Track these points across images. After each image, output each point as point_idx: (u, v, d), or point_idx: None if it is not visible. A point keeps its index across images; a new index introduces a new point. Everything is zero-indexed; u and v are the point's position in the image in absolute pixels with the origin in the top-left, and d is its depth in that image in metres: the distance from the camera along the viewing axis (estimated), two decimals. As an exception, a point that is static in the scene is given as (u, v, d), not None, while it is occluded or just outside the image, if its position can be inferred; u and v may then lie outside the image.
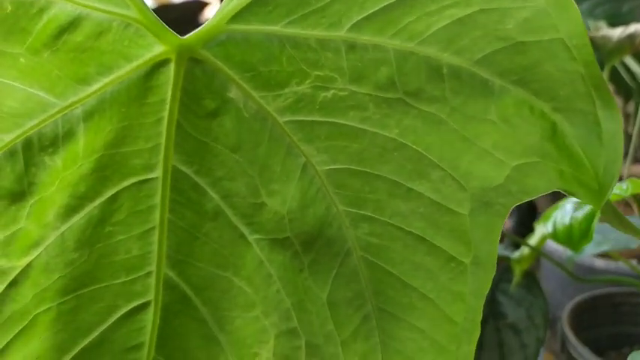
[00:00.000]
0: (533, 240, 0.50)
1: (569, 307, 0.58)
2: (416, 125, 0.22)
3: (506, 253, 0.55)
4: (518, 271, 0.53)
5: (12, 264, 0.23)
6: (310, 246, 0.24)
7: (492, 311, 0.54)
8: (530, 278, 0.53)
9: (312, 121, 0.23)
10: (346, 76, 0.22)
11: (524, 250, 0.52)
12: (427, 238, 0.23)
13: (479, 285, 0.23)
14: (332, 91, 0.23)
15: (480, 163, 0.22)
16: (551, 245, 0.71)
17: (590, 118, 0.20)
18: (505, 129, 0.21)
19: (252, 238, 0.24)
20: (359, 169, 0.23)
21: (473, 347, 0.24)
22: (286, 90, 0.23)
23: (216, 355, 0.24)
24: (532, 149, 0.21)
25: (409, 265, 0.23)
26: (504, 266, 0.55)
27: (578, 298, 0.60)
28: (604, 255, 0.70)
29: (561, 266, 0.51)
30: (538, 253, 0.49)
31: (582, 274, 0.66)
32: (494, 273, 0.23)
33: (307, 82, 0.23)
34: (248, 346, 0.24)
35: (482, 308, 0.23)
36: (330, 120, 0.23)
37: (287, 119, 0.23)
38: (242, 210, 0.24)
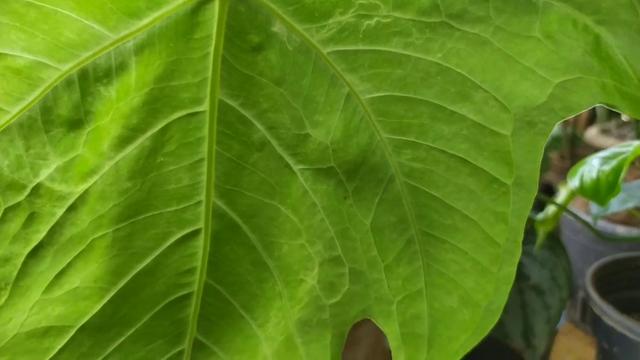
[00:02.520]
0: (559, 199, 0.50)
1: (592, 268, 0.57)
2: (459, 48, 0.22)
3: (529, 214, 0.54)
4: (541, 233, 0.53)
5: (71, 189, 0.23)
6: (354, 174, 0.24)
7: (515, 273, 0.54)
8: (554, 239, 0.53)
9: (356, 50, 0.23)
10: (389, 3, 0.22)
11: (548, 211, 0.52)
12: (470, 160, 0.23)
13: (521, 206, 0.23)
14: (375, 19, 0.23)
15: (523, 82, 0.22)
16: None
17: (634, 27, 0.20)
18: (548, 46, 0.21)
19: (296, 168, 0.24)
20: (402, 95, 0.23)
21: (514, 269, 0.24)
22: (330, 21, 0.23)
23: (266, 279, 0.24)
24: (575, 65, 0.21)
25: (452, 187, 0.23)
26: (527, 228, 0.55)
27: (600, 261, 0.59)
28: (625, 222, 0.70)
29: (587, 224, 0.50)
30: (565, 210, 0.49)
31: (604, 242, 0.66)
32: (535, 194, 0.23)
33: (351, 11, 0.23)
34: (295, 272, 0.25)
35: (523, 229, 0.23)
36: (373, 48, 0.23)
37: (330, 50, 0.23)
38: (287, 141, 0.24)
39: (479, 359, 0.60)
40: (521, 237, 0.23)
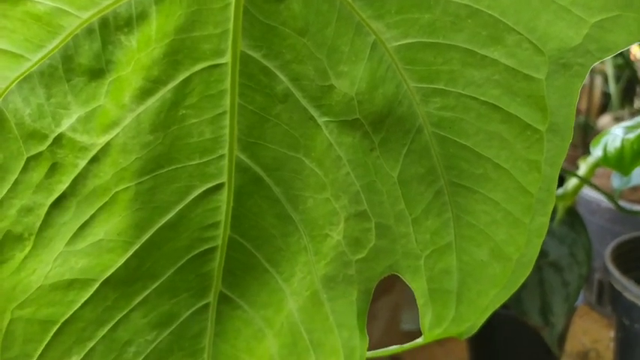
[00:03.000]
0: (581, 171, 0.49)
1: (611, 246, 0.56)
2: (491, -12, 0.21)
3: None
4: (561, 208, 0.52)
5: (93, 141, 0.22)
6: (380, 125, 0.24)
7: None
8: (573, 215, 0.52)
9: (382, -5, 0.22)
10: (416, -56, 0.22)
11: (568, 187, 0.51)
12: (502, 107, 0.22)
13: (555, 153, 0.22)
14: (402, -38, 0.22)
15: (558, 22, 0.21)
16: (587, 193, 0.70)
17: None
18: (585, -18, 0.20)
19: (321, 120, 0.24)
20: (431, 41, 0.22)
21: (547, 220, 0.23)
22: (354, -34, 0.22)
23: (291, 233, 0.24)
24: (612, 2, 0.20)
25: (483, 135, 0.22)
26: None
27: (620, 239, 0.58)
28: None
29: (609, 197, 0.49)
30: (587, 183, 0.48)
31: (622, 220, 0.65)
32: (570, 140, 0.22)
33: (376, -46, 0.22)
34: (320, 227, 0.24)
35: (557, 178, 0.22)
36: (400, -8, 0.22)
37: (355, -4, 0.23)
38: (311, 92, 0.24)
39: (496, 337, 0.60)
40: (554, 186, 0.22)
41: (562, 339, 0.55)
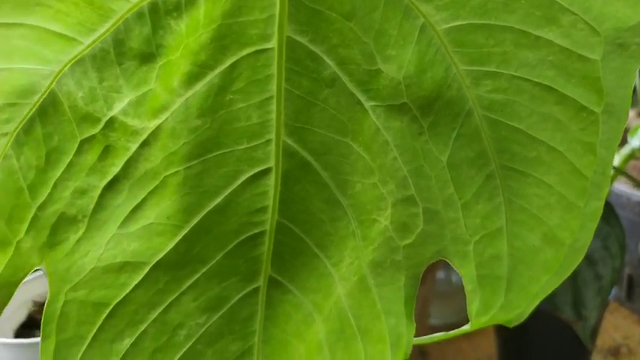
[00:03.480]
0: (615, 161, 0.48)
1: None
2: (546, -33, 0.21)
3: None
4: (593, 201, 0.51)
5: (143, 125, 0.22)
6: (428, 109, 0.23)
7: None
8: (607, 207, 0.51)
9: (432, -23, 0.22)
10: None
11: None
12: (556, 88, 0.21)
13: (610, 136, 0.21)
14: (453, -58, 0.22)
15: (614, 2, 0.20)
16: (617, 187, 0.69)
17: None
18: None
19: (368, 105, 0.24)
20: (482, 22, 0.22)
21: (601, 204, 0.23)
22: (403, -52, 0.22)
23: (339, 217, 0.23)
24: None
25: (537, 117, 0.22)
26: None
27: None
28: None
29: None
30: (621, 173, 0.47)
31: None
32: (626, 123, 0.22)
33: None
34: (368, 212, 0.24)
35: (612, 161, 0.22)
36: (450, -26, 0.22)
37: (404, -21, 0.22)
38: (358, 77, 0.24)
39: (526, 332, 0.59)
40: (609, 169, 0.22)
41: (594, 333, 0.54)
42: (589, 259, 0.51)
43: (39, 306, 0.59)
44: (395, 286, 0.24)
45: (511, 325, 0.26)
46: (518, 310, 0.25)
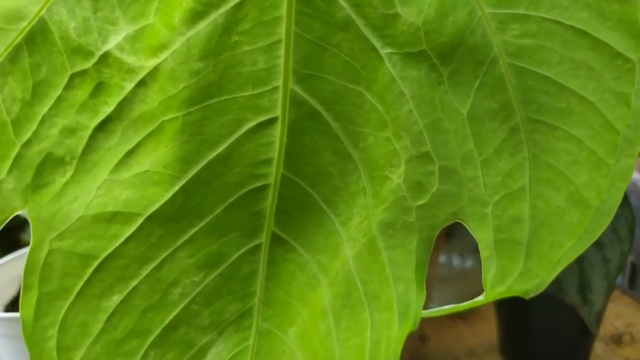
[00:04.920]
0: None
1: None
2: None
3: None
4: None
5: (140, 63, 0.20)
6: (449, 57, 0.21)
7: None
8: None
9: None
10: None
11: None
12: (590, 32, 0.20)
13: (647, 85, 0.20)
14: None
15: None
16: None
17: None
18: None
19: (384, 52, 0.22)
20: (511, -40, 0.20)
21: (633, 162, 0.21)
22: None
23: (350, 171, 0.21)
24: None
25: (568, 64, 0.20)
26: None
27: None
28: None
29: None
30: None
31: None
32: (665, 70, 0.20)
33: None
34: (380, 167, 0.22)
35: (647, 115, 0.20)
36: None
37: None
38: (374, 21, 0.22)
39: (527, 317, 0.58)
40: (644, 123, 0.20)
41: (599, 319, 0.53)
42: (596, 242, 0.49)
43: None
44: (406, 250, 0.22)
45: (528, 297, 0.24)
46: (537, 280, 0.23)
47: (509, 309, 0.60)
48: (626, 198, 0.48)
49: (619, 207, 0.48)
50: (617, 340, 0.64)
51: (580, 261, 0.48)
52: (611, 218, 0.21)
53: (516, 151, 0.21)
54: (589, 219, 0.21)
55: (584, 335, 0.57)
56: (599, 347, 0.63)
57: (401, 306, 0.22)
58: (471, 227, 0.23)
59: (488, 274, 0.23)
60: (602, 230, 0.22)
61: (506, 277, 0.23)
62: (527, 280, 0.23)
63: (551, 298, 0.49)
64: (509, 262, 0.23)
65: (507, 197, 0.22)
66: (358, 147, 0.22)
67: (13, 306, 0.56)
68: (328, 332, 0.22)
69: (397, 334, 0.22)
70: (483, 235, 0.22)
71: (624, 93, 0.20)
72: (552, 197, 0.21)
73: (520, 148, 0.21)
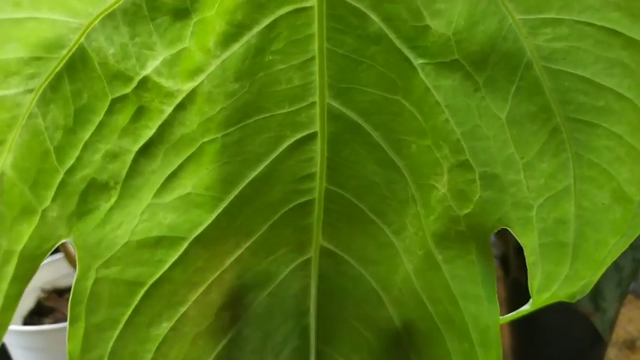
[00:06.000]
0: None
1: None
2: None
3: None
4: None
5: (178, 87, 0.20)
6: (483, 65, 0.21)
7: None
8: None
9: None
10: None
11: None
12: (622, 31, 0.20)
13: (682, 79, 0.20)
14: None
15: None
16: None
17: None
18: None
19: (417, 62, 0.22)
20: (538, -34, 0.21)
21: (672, 155, 0.21)
22: None
23: (396, 180, 0.21)
24: None
25: (602, 63, 0.20)
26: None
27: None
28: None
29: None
30: None
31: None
32: (697, 66, 0.20)
33: None
34: (425, 176, 0.22)
35: (685, 108, 0.20)
36: None
37: None
38: (405, 33, 0.22)
39: (540, 323, 0.57)
40: (681, 116, 0.20)
41: (612, 325, 0.52)
42: None
43: (47, 293, 0.57)
44: (465, 261, 0.21)
45: (574, 300, 0.24)
46: (583, 281, 0.23)
47: (522, 316, 0.59)
48: None
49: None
50: (630, 345, 0.64)
51: (595, 271, 0.48)
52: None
53: (559, 152, 0.21)
54: (631, 214, 0.21)
55: (597, 342, 0.56)
56: (612, 352, 0.63)
57: (477, 334, 0.21)
58: (516, 232, 0.22)
59: (535, 281, 0.23)
60: (645, 224, 0.21)
61: (552, 281, 0.23)
62: (573, 282, 0.23)
63: (563, 305, 0.49)
64: (555, 266, 0.22)
65: (552, 199, 0.22)
66: (401, 154, 0.21)
67: (31, 318, 0.55)
68: None
69: None
70: (528, 240, 0.22)
71: (660, 88, 0.20)
72: (597, 195, 0.21)
73: (562, 149, 0.21)
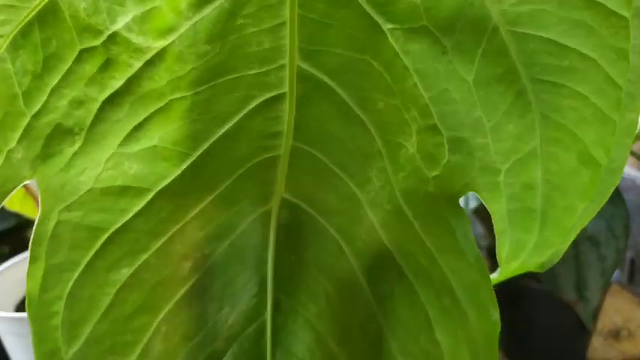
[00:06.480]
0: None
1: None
2: None
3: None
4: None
5: (148, 44, 0.21)
6: (450, 30, 0.22)
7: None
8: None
9: None
10: None
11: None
12: (585, -7, 0.20)
13: (644, 40, 0.20)
14: None
15: None
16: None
17: None
18: None
19: (386, 27, 0.22)
20: None
21: (636, 117, 0.21)
22: None
23: (360, 134, 0.21)
24: None
25: (566, 24, 0.20)
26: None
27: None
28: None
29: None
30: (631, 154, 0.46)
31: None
32: (659, 27, 0.20)
33: None
34: (393, 133, 0.22)
35: (646, 69, 0.21)
36: None
37: None
38: None
39: (524, 312, 0.56)
40: (644, 78, 0.20)
41: (596, 315, 0.52)
42: (592, 240, 0.49)
43: None
44: (438, 218, 0.21)
45: (543, 270, 0.23)
46: (552, 249, 0.23)
47: (508, 304, 0.59)
48: (620, 196, 0.48)
49: (613, 205, 0.48)
50: (615, 334, 0.64)
51: (576, 258, 0.48)
52: (620, 178, 0.21)
53: (525, 112, 0.21)
54: (599, 178, 0.21)
55: (582, 331, 0.55)
56: (597, 342, 0.63)
57: (462, 290, 0.21)
58: (484, 198, 0.22)
59: (503, 249, 0.23)
60: (612, 190, 0.21)
61: (520, 249, 0.23)
62: (542, 250, 0.22)
63: (548, 295, 0.48)
64: (524, 234, 0.22)
65: (519, 163, 0.22)
66: (368, 110, 0.22)
67: (23, 306, 0.56)
68: (370, 316, 0.20)
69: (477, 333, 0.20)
70: (497, 207, 0.22)
71: (622, 48, 0.20)
72: (563, 158, 0.21)
73: (528, 109, 0.21)
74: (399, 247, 0.21)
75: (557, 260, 0.23)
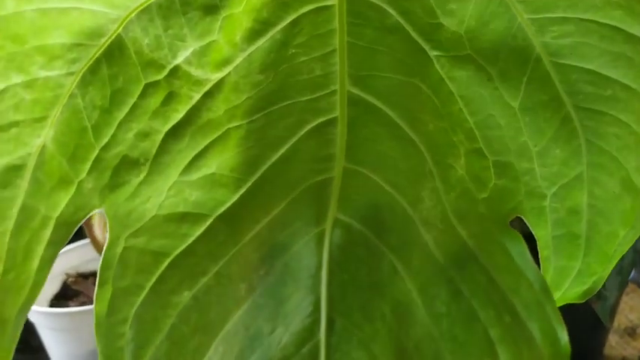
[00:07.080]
0: None
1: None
2: None
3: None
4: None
5: (207, 76, 0.22)
6: (494, 59, 0.22)
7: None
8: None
9: None
10: None
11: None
12: (624, 28, 0.21)
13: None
14: None
15: None
16: None
17: None
18: None
19: (432, 54, 0.23)
20: (547, -32, 0.22)
21: (678, 144, 0.21)
22: None
23: (412, 154, 0.22)
24: None
25: (607, 56, 0.21)
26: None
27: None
28: None
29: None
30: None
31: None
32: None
33: None
34: (443, 154, 0.22)
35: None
36: None
37: None
38: (420, 27, 0.23)
39: None
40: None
41: (613, 313, 0.52)
42: None
43: (73, 277, 0.59)
44: (491, 238, 0.22)
45: (583, 301, 0.24)
46: (594, 277, 0.23)
47: None
48: None
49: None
50: (631, 332, 0.64)
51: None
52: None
53: (571, 138, 0.22)
54: (639, 205, 0.22)
55: (599, 328, 0.55)
56: (613, 339, 0.63)
57: (523, 309, 0.21)
58: (530, 223, 0.23)
59: (546, 276, 0.23)
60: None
61: (564, 278, 0.23)
62: (584, 279, 0.23)
63: None
64: (568, 261, 0.23)
65: (565, 187, 0.22)
66: (418, 131, 0.22)
67: (58, 300, 0.58)
68: (426, 336, 0.21)
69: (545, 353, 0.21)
70: (542, 232, 0.23)
71: (662, 80, 0.21)
72: (608, 183, 0.22)
73: (575, 135, 0.22)
74: (454, 265, 0.21)
75: (598, 288, 0.23)
